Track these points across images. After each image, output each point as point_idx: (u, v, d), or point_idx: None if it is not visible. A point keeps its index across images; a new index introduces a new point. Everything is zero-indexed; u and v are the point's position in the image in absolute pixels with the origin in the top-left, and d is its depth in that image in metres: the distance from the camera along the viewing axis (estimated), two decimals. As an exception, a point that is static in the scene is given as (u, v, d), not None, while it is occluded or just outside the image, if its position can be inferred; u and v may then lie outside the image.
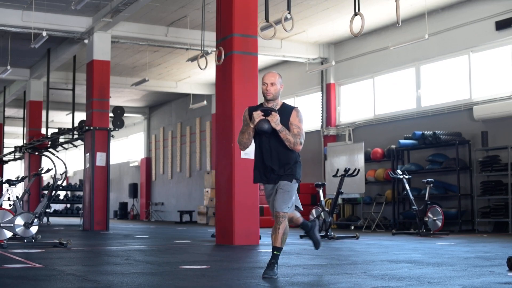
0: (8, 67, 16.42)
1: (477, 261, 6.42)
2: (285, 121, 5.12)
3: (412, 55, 15.27)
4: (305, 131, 19.99)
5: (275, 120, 5.01)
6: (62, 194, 21.93)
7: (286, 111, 5.17)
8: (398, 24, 7.59)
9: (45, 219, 9.78)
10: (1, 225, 8.29)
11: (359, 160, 14.35)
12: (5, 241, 8.29)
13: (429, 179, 12.18)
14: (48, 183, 20.35)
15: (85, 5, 13.33)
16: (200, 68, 10.96)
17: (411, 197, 12.23)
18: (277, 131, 5.04)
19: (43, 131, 20.71)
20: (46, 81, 18.38)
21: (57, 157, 12.00)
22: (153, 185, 28.04)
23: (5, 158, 24.08)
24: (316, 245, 5.85)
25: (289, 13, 8.22)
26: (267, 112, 5.05)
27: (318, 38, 16.97)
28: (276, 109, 5.17)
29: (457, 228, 13.30)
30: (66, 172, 9.52)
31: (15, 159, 23.44)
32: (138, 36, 15.77)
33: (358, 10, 7.65)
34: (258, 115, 5.05)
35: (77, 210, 20.73)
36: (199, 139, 24.14)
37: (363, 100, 17.07)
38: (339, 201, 14.28)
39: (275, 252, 5.08)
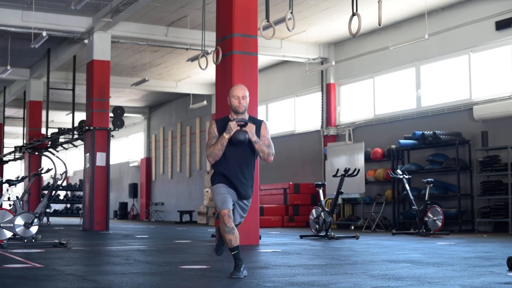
0: (8, 67, 16.42)
1: (477, 261, 6.42)
2: (257, 134, 5.19)
3: (412, 55, 15.26)
4: (305, 131, 19.87)
5: (252, 131, 5.08)
6: (62, 194, 21.94)
7: (256, 124, 5.23)
8: (379, 25, 7.60)
9: (45, 219, 9.76)
10: (1, 225, 8.29)
11: (359, 160, 14.34)
12: (5, 241, 8.29)
13: (429, 179, 12.17)
14: (48, 183, 20.35)
15: (85, 5, 13.33)
16: (201, 68, 10.96)
17: (411, 197, 12.22)
18: (253, 142, 5.10)
19: (43, 131, 20.71)
20: (46, 81, 18.37)
21: (57, 157, 12.00)
22: (153, 185, 28.03)
23: (5, 158, 24.08)
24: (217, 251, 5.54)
25: (291, 12, 8.23)
26: (243, 123, 5.11)
27: (318, 38, 16.97)
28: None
29: (457, 228, 13.30)
30: (66, 172, 9.52)
31: (15, 159, 23.44)
32: (138, 36, 15.76)
33: (356, 10, 7.65)
34: (234, 126, 5.07)
35: (77, 210, 20.74)
36: (199, 139, 24.14)
37: (363, 100, 17.07)
38: (339, 201, 14.29)
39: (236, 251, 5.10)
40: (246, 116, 5.26)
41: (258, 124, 5.24)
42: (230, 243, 5.07)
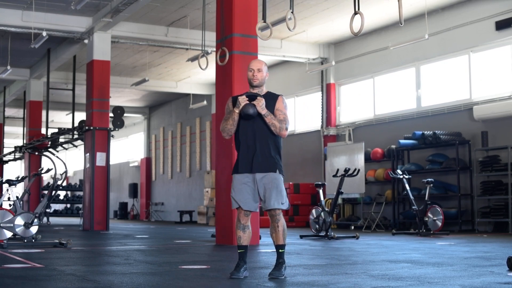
0: (8, 67, 16.42)
1: (477, 261, 6.42)
2: (271, 108, 5.08)
3: (412, 55, 15.26)
4: (305, 131, 19.81)
5: (260, 104, 4.97)
6: (62, 194, 21.94)
7: (271, 98, 5.16)
8: (401, 24, 7.57)
9: (45, 219, 9.77)
10: (1, 225, 8.29)
11: (359, 160, 14.34)
12: (5, 241, 8.29)
13: (429, 179, 12.17)
14: (48, 183, 20.35)
15: (85, 5, 13.33)
16: (201, 68, 10.95)
17: (411, 197, 12.22)
18: (263, 115, 4.99)
19: (43, 131, 20.71)
20: (46, 81, 18.37)
21: (57, 157, 12.00)
22: (153, 185, 28.04)
23: (5, 158, 24.08)
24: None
25: (292, 12, 8.21)
26: (252, 97, 5.03)
27: (318, 38, 16.97)
28: (262, 95, 5.14)
29: (457, 228, 13.30)
30: (66, 172, 9.52)
31: (15, 159, 23.44)
32: (138, 36, 15.77)
33: (358, 9, 7.62)
34: (243, 100, 4.99)
35: (77, 210, 20.73)
36: (199, 139, 24.14)
37: (363, 100, 17.07)
38: (339, 201, 14.27)
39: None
40: (264, 91, 5.20)
41: (275, 98, 5.17)
42: (239, 240, 5.06)
